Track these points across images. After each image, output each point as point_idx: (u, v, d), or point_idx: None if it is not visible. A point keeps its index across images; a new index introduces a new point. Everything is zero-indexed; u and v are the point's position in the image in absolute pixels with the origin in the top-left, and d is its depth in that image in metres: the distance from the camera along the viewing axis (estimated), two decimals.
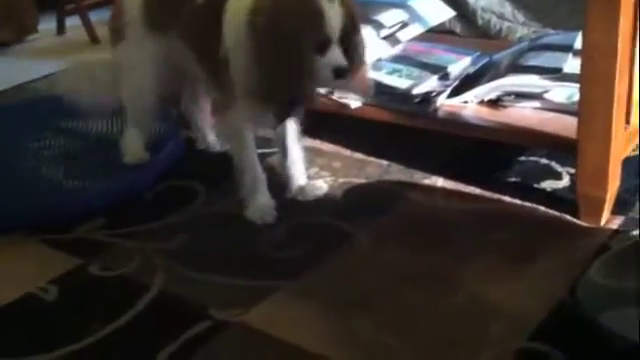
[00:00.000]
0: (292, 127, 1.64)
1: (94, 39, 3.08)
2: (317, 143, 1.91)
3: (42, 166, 1.91)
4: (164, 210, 1.67)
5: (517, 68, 1.73)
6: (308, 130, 1.73)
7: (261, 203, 1.61)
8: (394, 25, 1.91)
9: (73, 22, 3.18)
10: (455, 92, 1.73)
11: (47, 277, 1.47)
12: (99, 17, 3.26)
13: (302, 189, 1.68)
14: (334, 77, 1.41)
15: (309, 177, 1.73)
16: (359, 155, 1.85)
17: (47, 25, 3.25)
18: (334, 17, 1.39)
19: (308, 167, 1.74)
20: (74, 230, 1.63)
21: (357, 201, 1.67)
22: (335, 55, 1.41)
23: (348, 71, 1.42)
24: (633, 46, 1.42)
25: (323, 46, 1.40)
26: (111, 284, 1.45)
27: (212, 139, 1.95)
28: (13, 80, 2.66)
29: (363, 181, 1.74)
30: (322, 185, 1.70)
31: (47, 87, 2.57)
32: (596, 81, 1.39)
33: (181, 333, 1.27)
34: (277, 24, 1.39)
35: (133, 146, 1.82)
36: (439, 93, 1.72)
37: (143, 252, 1.53)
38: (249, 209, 1.61)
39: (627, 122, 1.51)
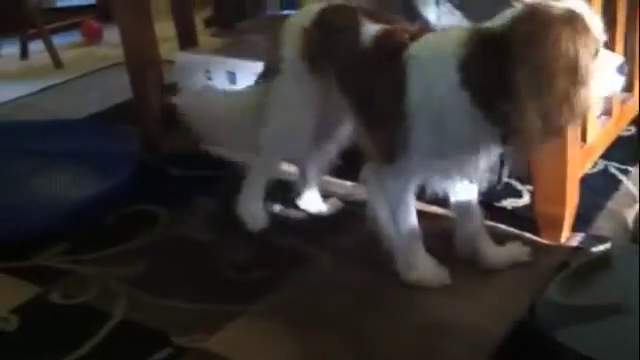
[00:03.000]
0: (473, 186, 1.45)
1: (58, 63, 3.06)
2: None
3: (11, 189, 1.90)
4: (125, 235, 1.66)
5: None
6: None
7: (428, 265, 1.43)
8: None
9: (36, 47, 3.16)
10: None
11: (7, 307, 1.45)
12: (62, 41, 3.25)
13: (495, 257, 1.46)
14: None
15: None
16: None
17: (10, 49, 3.23)
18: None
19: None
20: (33, 257, 1.61)
21: (319, 223, 1.67)
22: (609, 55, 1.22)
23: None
24: None
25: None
26: (72, 312, 1.43)
27: (315, 197, 1.73)
28: None
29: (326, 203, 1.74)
30: (523, 250, 1.48)
31: (10, 112, 2.56)
32: None
33: None
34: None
35: (253, 205, 1.65)
36: None
37: (104, 279, 1.51)
38: (414, 273, 1.41)
39: (583, 140, 1.53)
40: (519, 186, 1.74)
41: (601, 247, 1.48)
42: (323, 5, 1.53)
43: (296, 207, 1.73)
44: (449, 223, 1.50)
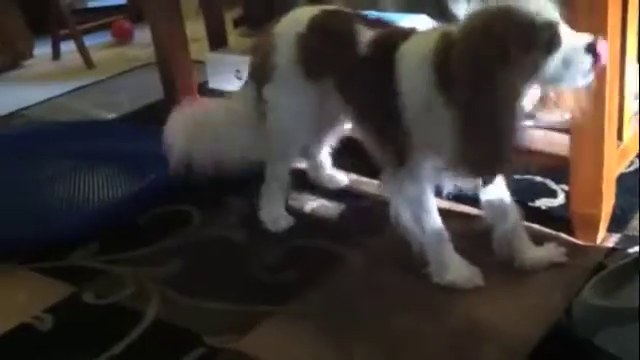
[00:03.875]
0: (502, 182, 1.42)
1: (89, 64, 3.09)
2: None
3: (44, 191, 1.92)
4: (158, 235, 1.67)
5: None
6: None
7: (459, 265, 1.41)
8: None
9: (68, 47, 3.19)
10: None
11: (41, 306, 1.46)
12: (94, 42, 3.28)
13: (532, 257, 1.43)
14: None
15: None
16: (353, 176, 1.84)
17: (43, 50, 3.26)
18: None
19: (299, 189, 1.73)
20: (67, 257, 1.62)
21: (352, 222, 1.66)
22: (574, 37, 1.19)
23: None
24: (622, 61, 1.42)
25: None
26: (105, 312, 1.44)
27: (328, 173, 1.80)
28: (9, 106, 2.66)
29: (358, 202, 1.73)
30: (559, 250, 1.45)
31: (43, 113, 2.59)
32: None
33: None
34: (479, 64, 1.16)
35: (275, 210, 1.66)
36: None
37: (137, 278, 1.52)
38: (448, 276, 1.39)
39: (619, 139, 1.51)
40: (554, 186, 1.71)
41: (637, 248, 1.45)
42: (316, 10, 1.52)
43: (324, 198, 1.75)
44: (482, 223, 1.48)
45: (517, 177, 1.76)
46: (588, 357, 1.16)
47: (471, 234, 1.54)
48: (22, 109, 2.65)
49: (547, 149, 1.56)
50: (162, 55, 2.09)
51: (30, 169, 2.04)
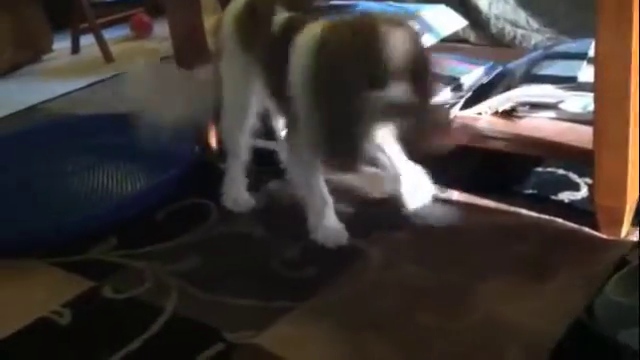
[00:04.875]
0: (395, 146, 1.57)
1: (108, 57, 3.10)
2: None
3: (64, 185, 1.93)
4: (177, 229, 1.66)
5: (531, 78, 1.70)
6: None
7: (331, 226, 1.56)
8: None
9: (88, 41, 3.20)
10: (469, 103, 1.71)
11: (60, 301, 1.46)
12: (112, 35, 3.29)
13: (430, 212, 1.59)
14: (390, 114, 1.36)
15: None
16: (372, 169, 1.82)
17: (62, 44, 3.27)
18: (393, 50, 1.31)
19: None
20: (86, 252, 1.62)
21: (371, 217, 1.65)
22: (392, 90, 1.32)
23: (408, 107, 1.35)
24: None
25: (380, 82, 1.32)
26: (124, 307, 1.44)
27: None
28: (30, 100, 2.68)
29: (377, 196, 1.72)
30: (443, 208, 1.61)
31: (63, 106, 2.59)
32: (610, 90, 1.36)
33: (194, 357, 1.26)
34: (332, 65, 1.34)
35: (234, 189, 1.75)
36: (452, 105, 1.70)
37: (156, 273, 1.52)
38: (319, 232, 1.55)
39: None
40: (577, 178, 1.69)
41: None
42: None
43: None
44: (507, 217, 1.46)
45: (540, 170, 1.74)
46: (611, 354, 1.14)
47: (493, 227, 1.53)
48: (42, 103, 2.67)
49: (570, 141, 1.53)
50: (180, 49, 2.08)
51: (50, 163, 2.04)
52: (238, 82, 1.68)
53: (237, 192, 1.74)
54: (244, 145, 1.72)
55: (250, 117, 1.70)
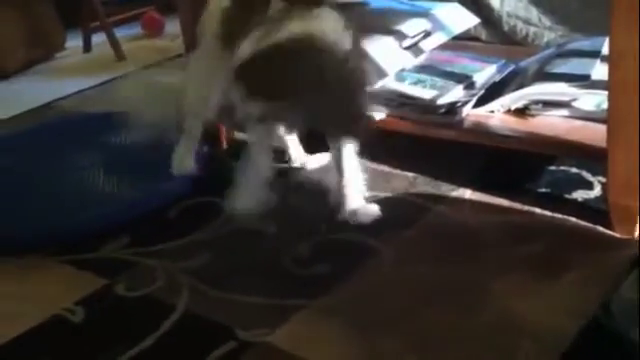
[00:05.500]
0: (349, 145, 1.59)
1: (120, 56, 3.10)
2: None
3: (76, 183, 1.93)
4: (188, 227, 1.67)
5: (544, 76, 1.69)
6: None
7: (248, 195, 1.60)
8: (417, 35, 1.89)
9: (99, 39, 3.21)
10: (481, 101, 1.70)
11: (73, 298, 1.46)
12: (123, 34, 3.29)
13: (355, 212, 1.61)
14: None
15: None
16: (384, 168, 1.82)
17: (74, 42, 3.28)
18: None
19: None
20: (98, 249, 1.62)
21: (383, 215, 1.64)
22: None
23: None
24: None
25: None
26: (137, 304, 1.44)
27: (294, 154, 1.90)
28: (42, 98, 2.69)
29: (389, 194, 1.72)
30: (375, 209, 1.62)
31: (75, 104, 2.60)
32: (624, 88, 1.35)
33: (206, 355, 1.26)
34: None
35: (183, 158, 1.84)
36: (465, 103, 1.69)
37: (168, 271, 1.52)
38: (229, 200, 1.60)
39: None
40: (590, 177, 1.68)
41: None
42: None
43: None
44: (520, 216, 1.46)
45: (553, 168, 1.73)
46: (626, 352, 1.13)
47: (506, 226, 1.52)
48: (55, 101, 2.67)
49: (584, 140, 1.53)
50: (191, 47, 2.08)
51: (62, 161, 2.05)
52: (208, 75, 1.72)
53: (184, 156, 1.83)
54: (199, 127, 1.82)
55: (212, 106, 1.74)
